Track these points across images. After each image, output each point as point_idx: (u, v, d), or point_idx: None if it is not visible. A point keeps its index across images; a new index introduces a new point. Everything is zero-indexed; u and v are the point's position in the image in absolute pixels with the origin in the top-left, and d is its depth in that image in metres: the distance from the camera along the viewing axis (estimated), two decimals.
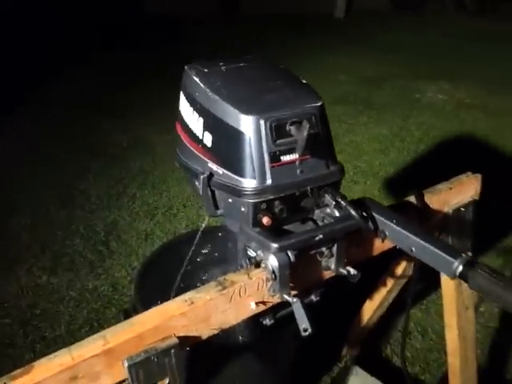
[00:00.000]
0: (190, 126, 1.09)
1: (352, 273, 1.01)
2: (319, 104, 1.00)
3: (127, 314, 1.49)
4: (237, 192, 0.97)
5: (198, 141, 1.06)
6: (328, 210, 1.03)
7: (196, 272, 1.60)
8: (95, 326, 2.23)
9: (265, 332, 1.20)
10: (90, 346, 0.87)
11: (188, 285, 1.55)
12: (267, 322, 1.17)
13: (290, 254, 0.97)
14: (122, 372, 0.90)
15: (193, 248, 1.42)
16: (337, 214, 1.01)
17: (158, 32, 7.11)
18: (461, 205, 1.37)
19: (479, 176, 1.41)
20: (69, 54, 5.64)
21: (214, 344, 1.07)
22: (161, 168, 3.62)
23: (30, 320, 2.28)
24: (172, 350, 0.93)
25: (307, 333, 0.93)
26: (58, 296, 2.42)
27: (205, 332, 0.99)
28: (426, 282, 1.64)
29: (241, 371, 1.39)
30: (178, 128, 1.19)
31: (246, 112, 0.94)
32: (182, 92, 1.17)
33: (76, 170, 3.56)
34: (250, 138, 0.94)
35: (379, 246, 1.18)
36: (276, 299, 1.06)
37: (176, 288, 1.47)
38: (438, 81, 5.82)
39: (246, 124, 0.94)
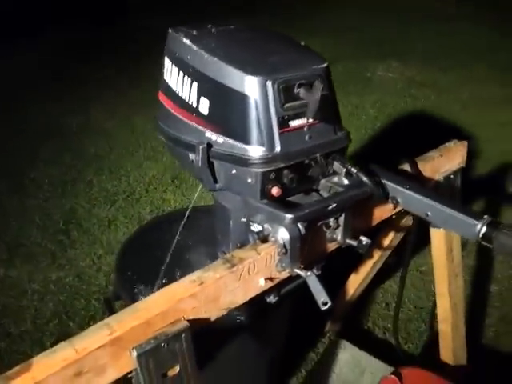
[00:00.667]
0: (181, 94, 1.01)
1: (364, 242, 0.97)
2: (325, 65, 0.94)
3: (109, 303, 1.39)
4: (242, 161, 0.90)
5: (192, 109, 0.97)
6: (335, 179, 0.98)
7: (179, 254, 1.52)
8: (64, 318, 2.10)
9: (268, 309, 1.15)
10: (95, 337, 0.78)
11: (173, 268, 1.47)
12: (271, 299, 1.12)
13: (300, 226, 0.92)
14: (129, 363, 0.82)
15: (180, 228, 1.34)
16: (346, 181, 0.96)
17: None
18: (450, 172, 1.37)
19: (465, 143, 1.41)
20: (15, 29, 5.22)
21: (216, 325, 1.01)
22: (117, 152, 3.45)
23: None
24: (183, 335, 0.85)
25: (327, 306, 0.89)
26: (19, 290, 2.26)
27: (214, 313, 0.92)
28: (398, 253, 1.65)
29: (242, 351, 1.34)
30: (163, 98, 1.10)
31: (252, 73, 0.87)
32: (166, 57, 1.08)
33: (24, 156, 3.33)
34: (256, 102, 0.87)
35: (383, 213, 1.15)
36: (284, 274, 1.00)
37: (162, 273, 1.38)
38: (386, 60, 5.89)
39: (252, 86, 0.87)
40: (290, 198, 1.00)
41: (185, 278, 0.89)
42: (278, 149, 0.89)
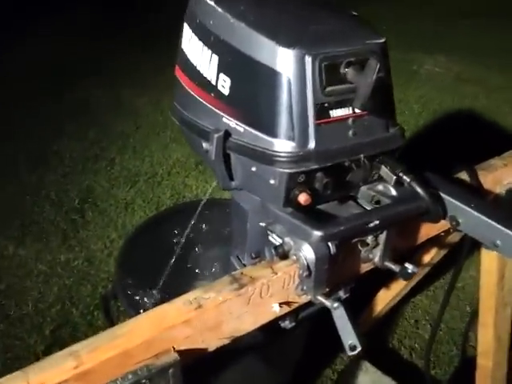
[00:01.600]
0: (199, 68, 0.82)
1: (410, 270, 0.76)
2: (383, 40, 0.73)
3: (106, 301, 1.23)
4: (265, 158, 0.71)
5: (210, 87, 0.79)
6: (380, 187, 0.78)
7: (190, 254, 1.35)
8: (67, 304, 1.97)
9: (282, 336, 0.96)
10: (56, 369, 0.61)
11: (181, 269, 1.30)
12: (287, 324, 0.93)
13: (330, 244, 0.72)
14: None
15: (191, 224, 1.17)
16: (394, 192, 0.76)
17: None
18: None
19: None
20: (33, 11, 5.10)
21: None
22: (143, 131, 3.31)
23: None
24: (170, 370, 0.68)
25: (355, 352, 0.69)
26: (25, 270, 2.15)
27: (212, 343, 0.74)
28: (433, 266, 1.44)
29: (244, 376, 1.16)
30: (179, 72, 0.91)
31: (287, 44, 0.67)
32: (186, 23, 0.89)
33: (50, 130, 3.22)
34: (289, 82, 0.67)
35: (430, 230, 0.95)
36: (304, 299, 0.81)
37: (167, 273, 1.21)
38: (434, 54, 5.56)
39: (286, 61, 0.67)
40: (320, 206, 0.81)
41: (178, 299, 0.71)
42: (311, 145, 0.69)
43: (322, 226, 0.68)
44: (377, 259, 0.84)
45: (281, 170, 0.69)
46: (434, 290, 2.20)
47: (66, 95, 3.63)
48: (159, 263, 1.27)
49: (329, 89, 0.68)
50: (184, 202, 2.57)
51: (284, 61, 0.67)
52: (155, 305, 1.28)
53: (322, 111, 0.68)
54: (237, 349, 0.96)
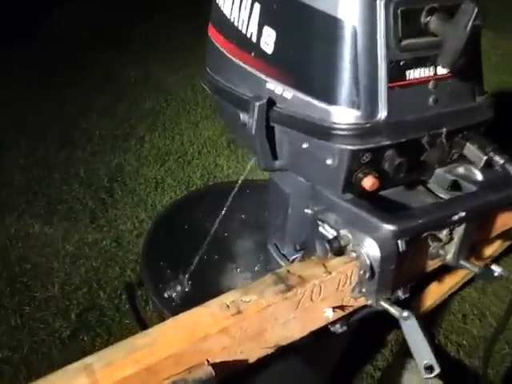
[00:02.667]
0: (236, 23, 0.68)
1: (497, 273, 0.62)
2: None
3: (131, 291, 1.13)
4: (321, 131, 0.57)
5: (250, 46, 0.65)
6: (461, 170, 0.64)
7: (223, 239, 1.23)
8: (95, 287, 1.89)
9: (332, 340, 0.83)
10: None
11: (212, 255, 1.18)
12: (337, 328, 0.80)
13: (400, 241, 0.59)
14: None
15: (225, 208, 1.04)
16: (479, 176, 0.61)
17: None
18: None
19: None
20: None
21: None
22: (174, 108, 3.20)
23: (19, 276, 1.94)
24: None
25: (432, 374, 0.56)
26: (52, 249, 2.07)
27: (253, 354, 0.62)
28: None
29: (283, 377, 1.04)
30: (212, 32, 0.77)
31: None
32: None
33: (78, 107, 3.14)
34: (354, 33, 0.53)
35: (508, 220, 0.80)
36: (361, 302, 0.68)
37: (197, 260, 1.10)
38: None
39: (351, 5, 0.52)
40: (383, 193, 0.66)
41: (213, 302, 0.59)
42: (382, 114, 0.55)
43: (394, 218, 0.54)
44: (450, 256, 0.70)
45: (341, 146, 0.55)
46: (482, 282, 2.03)
47: (93, 69, 3.54)
48: (188, 249, 1.15)
49: (406, 42, 0.54)
50: (216, 183, 2.46)
51: (348, 5, 0.52)
52: (184, 295, 1.18)
53: (396, 71, 0.54)
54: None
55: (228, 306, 0.58)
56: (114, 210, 2.31)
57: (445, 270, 1.36)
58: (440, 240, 0.67)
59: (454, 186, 0.65)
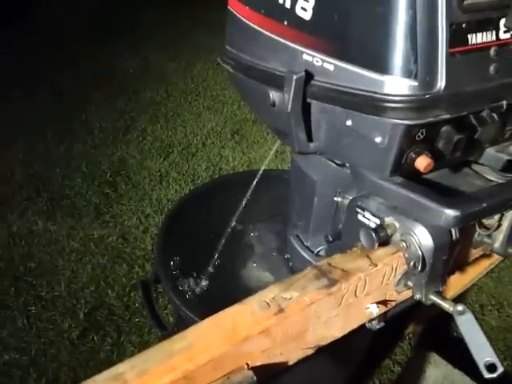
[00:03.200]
0: None
1: None
2: None
3: (146, 288, 1.07)
4: (371, 104, 0.51)
5: (283, 13, 0.59)
6: None
7: (241, 231, 1.17)
8: (102, 285, 1.84)
9: (368, 337, 0.78)
10: None
11: (231, 248, 1.13)
12: (374, 325, 0.74)
13: (453, 229, 0.53)
14: None
15: (246, 199, 0.99)
16: None
17: None
18: None
19: None
20: None
21: None
22: (175, 99, 3.13)
23: (23, 275, 1.89)
24: None
25: (495, 374, 0.51)
26: (57, 247, 2.02)
27: (293, 355, 0.57)
28: None
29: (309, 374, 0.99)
30: (234, 3, 0.71)
31: None
32: None
33: (76, 99, 3.07)
34: None
35: None
36: (404, 295, 0.63)
37: (215, 254, 1.05)
38: None
39: None
40: (429, 176, 0.61)
41: (251, 299, 0.53)
42: (441, 84, 0.48)
43: (456, 203, 0.49)
44: (497, 245, 0.65)
45: (395, 121, 0.49)
46: (498, 271, 1.99)
47: (90, 60, 3.46)
48: (203, 242, 1.10)
49: (468, 1, 0.47)
50: (230, 174, 2.40)
51: None
52: (200, 290, 1.13)
53: (458, 35, 0.48)
54: None
55: (268, 303, 0.52)
56: (119, 205, 2.25)
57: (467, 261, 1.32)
58: (487, 227, 0.62)
59: (508, 166, 0.60)
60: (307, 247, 0.96)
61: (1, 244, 2.02)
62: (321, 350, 0.91)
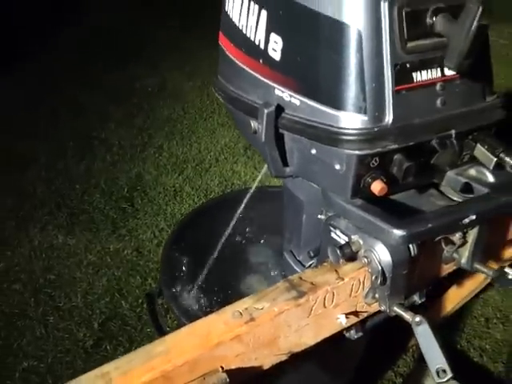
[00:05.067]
0: (244, 31, 0.69)
1: (511, 275, 0.62)
2: None
3: (151, 300, 1.14)
4: (329, 137, 0.58)
5: (258, 53, 0.66)
6: (472, 172, 0.63)
7: (241, 247, 1.24)
8: (117, 297, 1.92)
9: (346, 346, 0.83)
10: None
11: (231, 263, 1.19)
12: (352, 334, 0.80)
13: (411, 246, 0.59)
14: None
15: (237, 214, 1.05)
16: (491, 178, 0.61)
17: None
18: None
19: None
20: None
21: None
22: (190, 116, 3.23)
23: (43, 287, 1.98)
24: None
25: (445, 379, 0.56)
26: (75, 260, 2.11)
27: (267, 361, 0.63)
28: None
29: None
30: (223, 39, 0.79)
31: None
32: None
33: (96, 117, 3.19)
34: (359, 36, 0.53)
35: None
36: (375, 308, 0.68)
37: (214, 269, 1.11)
38: (497, 24, 5.14)
39: (354, 8, 0.53)
40: (395, 196, 0.67)
41: (226, 310, 0.59)
42: (389, 119, 0.55)
43: (403, 223, 0.55)
44: (464, 260, 0.70)
45: (349, 151, 0.56)
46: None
47: (109, 79, 3.59)
48: (207, 256, 1.17)
49: (411, 44, 0.54)
50: (234, 191, 2.47)
51: (352, 8, 0.53)
52: (202, 302, 1.19)
53: (402, 74, 0.54)
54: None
55: (241, 313, 0.58)
56: (135, 220, 2.34)
57: (464, 273, 1.35)
58: (453, 243, 0.67)
59: (467, 188, 0.65)
60: (299, 262, 1.02)
61: (23, 257, 2.12)
62: (311, 358, 0.97)
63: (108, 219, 2.34)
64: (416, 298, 0.83)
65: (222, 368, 0.58)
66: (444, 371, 0.56)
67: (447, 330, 1.78)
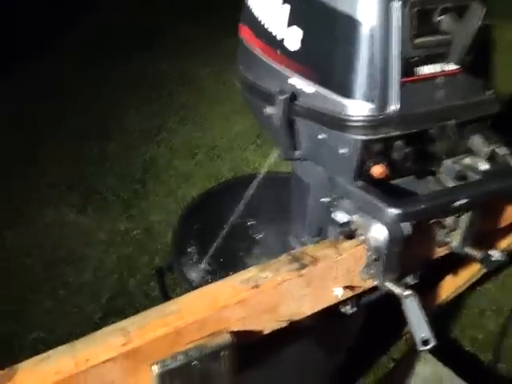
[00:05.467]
0: (265, 23, 0.74)
1: (494, 257, 0.67)
2: None
3: (161, 275, 1.21)
4: (336, 122, 0.63)
5: (277, 43, 0.71)
6: (468, 160, 0.68)
7: (249, 230, 1.29)
8: (125, 274, 1.99)
9: (342, 320, 0.89)
10: (104, 345, 0.58)
11: (239, 244, 1.25)
12: (347, 309, 0.85)
13: (404, 225, 0.64)
14: (148, 380, 0.61)
15: (249, 195, 1.11)
16: (484, 166, 0.66)
17: None
18: None
19: None
20: None
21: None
22: (205, 102, 3.27)
23: (54, 263, 2.05)
24: (222, 352, 0.63)
25: (428, 346, 0.61)
26: (86, 238, 2.18)
27: (268, 325, 0.68)
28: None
29: (297, 357, 1.10)
30: (243, 30, 0.84)
31: None
32: None
33: (114, 102, 3.24)
34: (371, 32, 0.58)
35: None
36: (370, 283, 0.74)
37: (223, 248, 1.17)
38: None
39: (368, 6, 0.58)
40: (395, 181, 0.72)
41: (234, 277, 0.65)
42: (394, 107, 0.60)
43: (398, 203, 0.60)
44: (455, 243, 0.75)
45: (354, 136, 0.61)
46: (503, 278, 2.03)
47: (129, 66, 3.64)
48: (216, 237, 1.22)
49: (419, 40, 0.59)
50: (245, 175, 2.53)
51: (365, 6, 0.58)
52: (209, 279, 1.25)
53: (408, 67, 0.59)
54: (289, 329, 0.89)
55: (247, 280, 0.64)
56: (146, 201, 2.40)
57: (459, 263, 1.40)
58: (445, 227, 0.72)
59: (462, 176, 0.70)
60: (303, 243, 1.07)
61: (36, 233, 2.20)
62: (307, 333, 1.02)
63: (120, 199, 2.41)
64: (409, 280, 0.88)
65: (226, 330, 0.63)
66: (428, 340, 0.61)
67: (442, 319, 1.83)
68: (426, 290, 1.59)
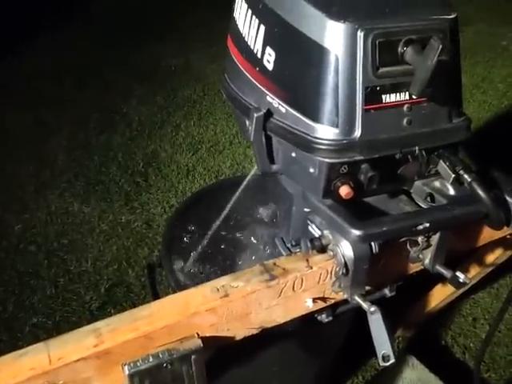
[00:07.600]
0: (246, 39, 0.77)
1: (462, 279, 0.69)
2: (452, 17, 0.64)
3: (151, 269, 1.24)
4: (305, 144, 0.65)
5: (256, 61, 0.73)
6: (437, 184, 0.71)
7: (238, 228, 1.32)
8: (124, 265, 2.04)
9: (317, 328, 0.92)
10: (77, 345, 0.61)
11: (228, 245, 1.28)
12: (323, 318, 0.88)
13: (372, 243, 0.66)
14: (121, 379, 0.64)
15: (234, 198, 1.14)
16: (452, 191, 0.68)
17: None
18: None
19: None
20: None
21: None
22: (210, 98, 3.29)
23: (56, 250, 2.11)
24: (193, 356, 0.66)
25: (388, 363, 0.64)
26: (88, 227, 2.23)
27: (239, 332, 0.72)
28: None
29: (277, 369, 1.13)
30: (230, 42, 0.86)
31: (337, 16, 0.61)
32: None
33: (119, 93, 3.28)
34: (337, 60, 0.61)
35: (494, 233, 0.86)
36: (341, 296, 0.77)
37: (211, 249, 1.20)
38: None
39: (334, 36, 0.60)
40: (368, 199, 0.74)
41: (206, 285, 0.68)
42: (357, 133, 0.63)
43: (361, 224, 0.63)
44: (427, 262, 0.77)
45: (321, 158, 0.64)
46: (497, 287, 2.05)
47: (135, 57, 3.67)
48: (206, 239, 1.25)
49: (382, 70, 0.61)
50: (242, 175, 2.56)
51: (333, 36, 0.60)
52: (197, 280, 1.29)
53: (372, 95, 0.61)
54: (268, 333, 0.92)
55: (218, 289, 0.67)
56: (147, 194, 2.45)
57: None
58: (418, 245, 0.75)
59: (432, 197, 0.72)
60: (288, 248, 1.10)
61: (39, 221, 2.25)
62: (288, 336, 1.05)
63: (122, 191, 2.45)
64: (387, 292, 0.91)
65: (198, 334, 0.67)
66: (388, 357, 0.64)
67: (434, 326, 1.85)
68: (416, 298, 1.62)
